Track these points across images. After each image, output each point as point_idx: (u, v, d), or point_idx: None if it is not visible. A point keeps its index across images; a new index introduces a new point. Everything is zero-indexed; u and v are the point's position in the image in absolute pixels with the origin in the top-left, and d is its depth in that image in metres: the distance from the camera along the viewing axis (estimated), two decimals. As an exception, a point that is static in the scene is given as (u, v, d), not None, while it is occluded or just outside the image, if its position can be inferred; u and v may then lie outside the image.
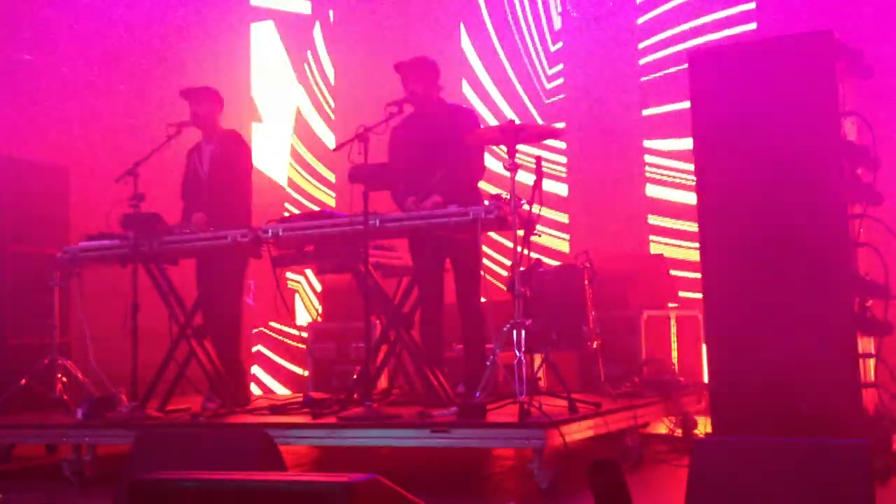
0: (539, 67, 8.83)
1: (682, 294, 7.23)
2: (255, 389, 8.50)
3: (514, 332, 4.76)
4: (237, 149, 6.33)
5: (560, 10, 8.71)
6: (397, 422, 4.90)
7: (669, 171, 8.11)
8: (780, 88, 4.76)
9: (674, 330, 6.60)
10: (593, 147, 8.43)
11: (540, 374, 5.46)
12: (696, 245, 5.02)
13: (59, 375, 6.48)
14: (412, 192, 5.52)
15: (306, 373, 7.40)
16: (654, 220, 8.16)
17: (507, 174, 4.88)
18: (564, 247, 8.41)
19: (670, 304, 6.90)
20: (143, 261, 5.82)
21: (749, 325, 4.74)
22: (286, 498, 2.56)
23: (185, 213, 6.27)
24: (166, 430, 5.24)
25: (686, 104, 5.12)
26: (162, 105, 8.35)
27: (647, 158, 8.27)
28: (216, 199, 6.17)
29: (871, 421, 4.54)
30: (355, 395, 5.41)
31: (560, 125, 8.32)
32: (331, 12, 9.78)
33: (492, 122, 8.51)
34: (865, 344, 4.65)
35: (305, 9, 9.89)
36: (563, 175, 8.65)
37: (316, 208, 8.83)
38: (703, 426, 5.75)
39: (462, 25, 9.20)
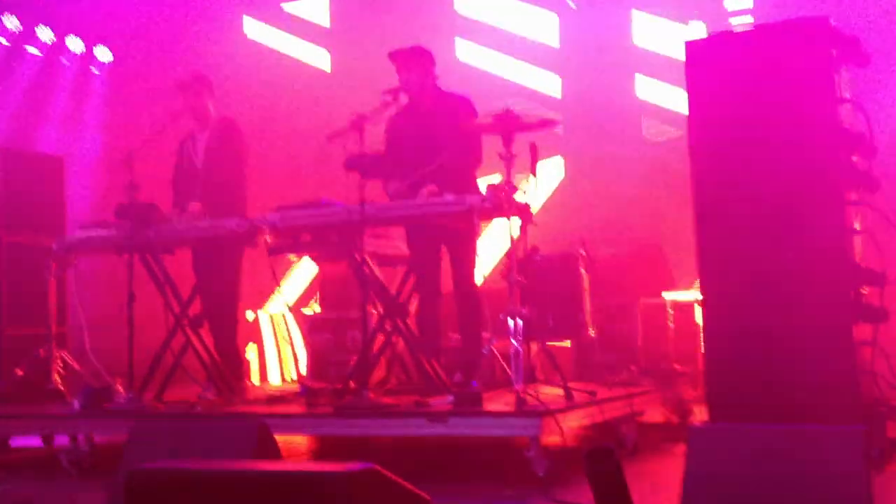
0: (536, 51, 8.81)
1: (677, 282, 7.22)
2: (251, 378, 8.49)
3: (511, 320, 4.76)
4: (232, 136, 6.31)
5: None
6: (394, 411, 4.90)
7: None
8: (777, 75, 4.75)
9: (670, 317, 6.61)
10: (589, 133, 8.41)
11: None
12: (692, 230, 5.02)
13: (56, 366, 6.48)
14: (407, 180, 5.51)
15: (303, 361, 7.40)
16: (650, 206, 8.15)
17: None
18: (560, 235, 8.40)
19: (666, 292, 6.90)
20: (139, 250, 5.80)
21: (745, 313, 4.74)
22: (283, 487, 2.56)
23: (177, 202, 6.25)
24: (163, 420, 5.24)
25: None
26: (157, 93, 8.32)
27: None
28: (211, 187, 6.15)
29: (867, 408, 4.55)
30: (352, 385, 5.41)
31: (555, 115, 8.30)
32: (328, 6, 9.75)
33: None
34: (861, 331, 4.66)
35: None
36: (559, 162, 8.64)
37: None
38: (700, 414, 5.76)
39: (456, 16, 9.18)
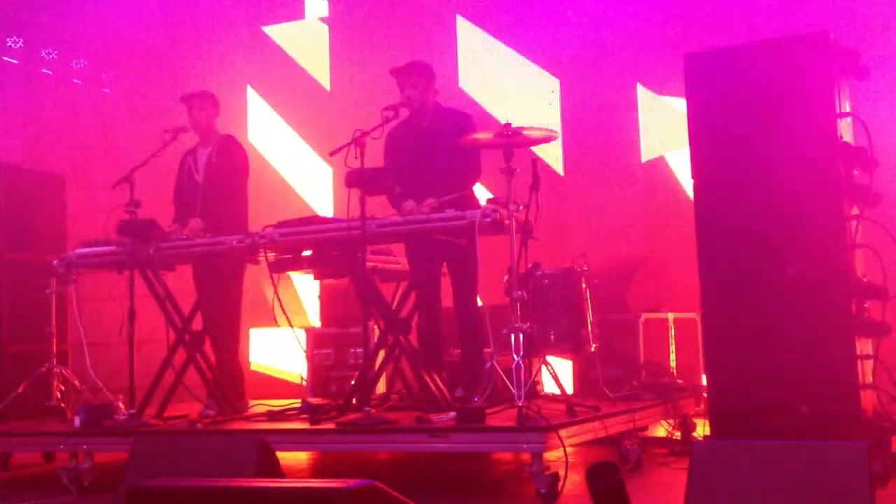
0: (537, 68, 8.81)
1: (679, 296, 7.21)
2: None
3: (513, 335, 4.75)
4: (234, 153, 6.32)
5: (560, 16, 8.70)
6: (396, 427, 4.88)
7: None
8: (777, 89, 4.75)
9: (672, 332, 6.59)
10: (589, 147, 8.42)
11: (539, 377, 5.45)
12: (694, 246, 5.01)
13: (57, 383, 6.46)
14: (408, 195, 5.51)
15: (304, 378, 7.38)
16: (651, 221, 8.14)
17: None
18: (562, 250, 8.39)
19: (668, 308, 6.89)
20: (140, 267, 5.81)
21: (747, 328, 4.73)
22: (284, 504, 2.55)
23: (178, 218, 6.26)
24: (164, 437, 5.22)
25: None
26: (158, 110, 8.35)
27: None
28: (212, 203, 6.16)
29: (870, 423, 4.54)
30: (353, 401, 5.39)
31: (555, 132, 8.30)
32: (324, 18, 9.78)
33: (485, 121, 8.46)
34: (863, 346, 4.65)
35: (302, 14, 9.89)
36: (560, 176, 8.64)
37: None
38: (702, 429, 5.74)
39: (457, 28, 9.19)
